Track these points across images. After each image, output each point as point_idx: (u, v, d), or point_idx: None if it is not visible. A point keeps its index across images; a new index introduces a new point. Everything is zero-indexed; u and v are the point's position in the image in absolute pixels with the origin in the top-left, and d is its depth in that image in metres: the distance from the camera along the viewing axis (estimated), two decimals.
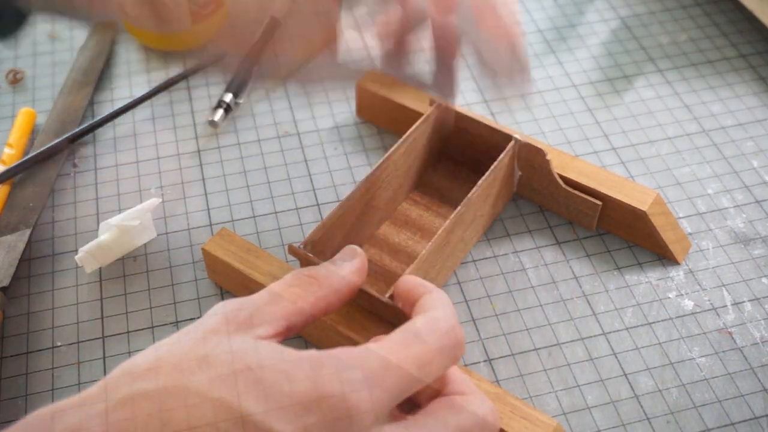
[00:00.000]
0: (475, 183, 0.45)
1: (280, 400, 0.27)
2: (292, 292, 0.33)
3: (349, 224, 0.43)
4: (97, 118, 0.53)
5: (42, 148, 0.50)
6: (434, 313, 0.32)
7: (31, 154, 0.50)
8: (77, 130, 0.52)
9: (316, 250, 0.41)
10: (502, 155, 0.45)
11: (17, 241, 0.45)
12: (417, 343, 0.30)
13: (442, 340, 0.31)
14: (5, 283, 0.43)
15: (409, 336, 0.31)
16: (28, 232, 0.46)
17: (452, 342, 0.31)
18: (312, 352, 0.29)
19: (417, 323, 0.31)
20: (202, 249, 0.43)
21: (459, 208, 0.42)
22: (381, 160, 0.44)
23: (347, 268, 0.35)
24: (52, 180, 0.49)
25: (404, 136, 0.46)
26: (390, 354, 0.30)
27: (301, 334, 0.43)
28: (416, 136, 0.46)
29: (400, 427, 0.29)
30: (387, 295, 0.38)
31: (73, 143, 0.52)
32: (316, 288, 0.33)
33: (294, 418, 0.27)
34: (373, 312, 0.40)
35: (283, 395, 0.27)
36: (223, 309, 0.31)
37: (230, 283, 0.44)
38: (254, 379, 0.28)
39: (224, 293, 0.45)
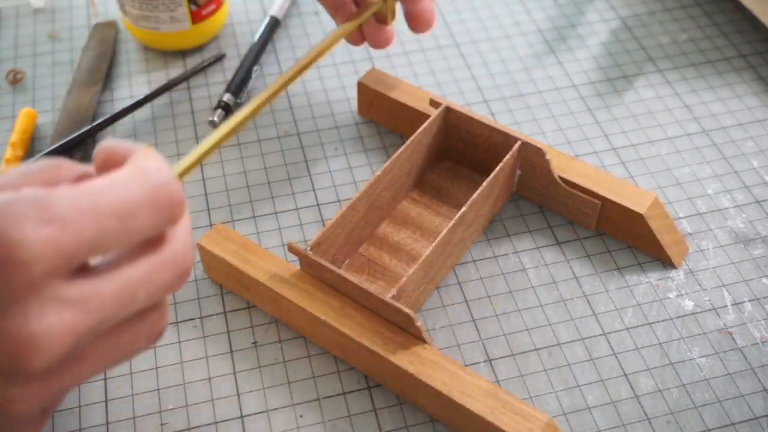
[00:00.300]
0: (474, 182, 0.45)
1: None
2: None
3: (352, 225, 0.44)
4: (100, 119, 0.53)
5: (51, 147, 0.51)
6: (145, 164, 0.27)
7: (41, 153, 0.50)
8: (82, 130, 0.52)
9: (320, 251, 0.41)
10: (507, 157, 0.45)
11: None
12: (121, 191, 0.25)
13: (154, 192, 0.26)
14: None
15: (112, 182, 0.26)
16: None
17: (166, 197, 0.26)
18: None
19: (124, 171, 0.26)
20: (197, 244, 0.43)
21: (463, 208, 0.42)
22: (387, 163, 0.44)
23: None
24: None
25: (410, 139, 0.46)
26: (84, 196, 0.25)
27: (299, 332, 0.43)
28: (421, 138, 0.46)
29: (88, 281, 0.25)
30: (389, 295, 0.38)
31: (81, 143, 0.52)
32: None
33: None
34: (373, 310, 0.40)
35: None
36: None
37: (225, 279, 0.44)
38: None
39: (225, 293, 0.45)
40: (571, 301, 0.44)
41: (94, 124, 0.52)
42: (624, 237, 0.46)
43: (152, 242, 0.27)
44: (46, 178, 0.27)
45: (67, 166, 0.28)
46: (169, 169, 0.27)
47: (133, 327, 0.28)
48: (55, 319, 0.24)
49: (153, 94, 0.54)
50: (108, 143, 0.28)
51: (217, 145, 0.36)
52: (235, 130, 0.37)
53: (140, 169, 0.26)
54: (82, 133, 0.51)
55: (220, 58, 0.59)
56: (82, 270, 0.25)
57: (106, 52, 0.59)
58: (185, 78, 0.56)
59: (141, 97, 0.54)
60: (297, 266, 0.42)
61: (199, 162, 0.35)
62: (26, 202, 0.23)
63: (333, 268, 0.40)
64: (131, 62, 0.59)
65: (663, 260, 0.46)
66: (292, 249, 0.41)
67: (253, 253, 0.43)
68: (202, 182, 0.51)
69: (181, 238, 0.28)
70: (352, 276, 0.39)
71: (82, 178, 0.28)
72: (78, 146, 0.51)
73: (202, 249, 0.43)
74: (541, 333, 0.43)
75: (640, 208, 0.44)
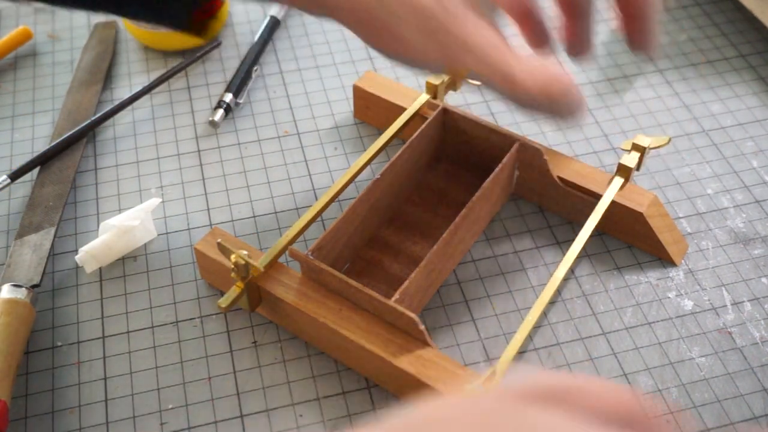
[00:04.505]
0: (473, 183, 0.44)
1: None
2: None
3: (352, 228, 0.43)
4: (102, 112, 0.53)
5: (48, 146, 0.51)
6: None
7: (41, 152, 0.50)
8: (84, 124, 0.52)
9: (320, 255, 0.41)
10: (505, 158, 0.45)
11: (42, 239, 0.46)
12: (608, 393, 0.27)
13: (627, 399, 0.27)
14: (36, 281, 0.44)
15: (595, 384, 0.27)
16: (52, 230, 0.47)
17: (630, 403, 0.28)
18: None
19: (596, 381, 0.28)
20: (195, 248, 0.43)
21: (463, 211, 0.42)
22: (385, 167, 0.44)
23: None
24: (71, 178, 0.50)
25: (408, 141, 0.45)
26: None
27: (299, 335, 0.43)
28: (419, 139, 0.46)
29: None
30: (393, 299, 0.38)
31: (83, 138, 0.52)
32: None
33: None
34: (374, 314, 0.40)
35: None
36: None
37: (222, 283, 0.44)
38: None
39: (225, 293, 0.45)
40: (570, 300, 0.44)
41: (94, 118, 0.52)
42: (624, 236, 0.46)
43: None
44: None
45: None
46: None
47: None
48: None
49: (150, 86, 0.54)
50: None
51: None
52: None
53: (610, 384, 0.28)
54: (82, 127, 0.51)
55: (216, 46, 0.59)
56: None
57: (106, 52, 0.59)
58: (182, 68, 0.56)
59: (139, 89, 0.54)
60: (295, 268, 0.42)
61: None
62: None
63: (335, 272, 0.39)
64: (131, 62, 0.59)
65: (663, 258, 0.46)
66: (293, 254, 0.40)
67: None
68: (202, 182, 0.51)
69: None
70: (354, 280, 0.39)
71: None
72: (77, 142, 0.51)
73: (198, 253, 0.43)
74: (541, 333, 0.43)
75: (639, 206, 0.44)
